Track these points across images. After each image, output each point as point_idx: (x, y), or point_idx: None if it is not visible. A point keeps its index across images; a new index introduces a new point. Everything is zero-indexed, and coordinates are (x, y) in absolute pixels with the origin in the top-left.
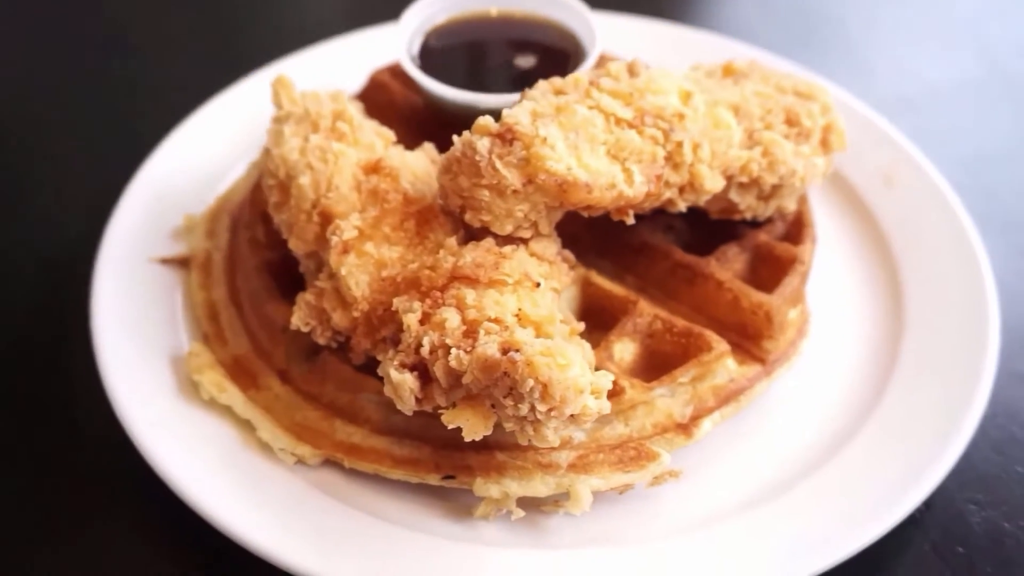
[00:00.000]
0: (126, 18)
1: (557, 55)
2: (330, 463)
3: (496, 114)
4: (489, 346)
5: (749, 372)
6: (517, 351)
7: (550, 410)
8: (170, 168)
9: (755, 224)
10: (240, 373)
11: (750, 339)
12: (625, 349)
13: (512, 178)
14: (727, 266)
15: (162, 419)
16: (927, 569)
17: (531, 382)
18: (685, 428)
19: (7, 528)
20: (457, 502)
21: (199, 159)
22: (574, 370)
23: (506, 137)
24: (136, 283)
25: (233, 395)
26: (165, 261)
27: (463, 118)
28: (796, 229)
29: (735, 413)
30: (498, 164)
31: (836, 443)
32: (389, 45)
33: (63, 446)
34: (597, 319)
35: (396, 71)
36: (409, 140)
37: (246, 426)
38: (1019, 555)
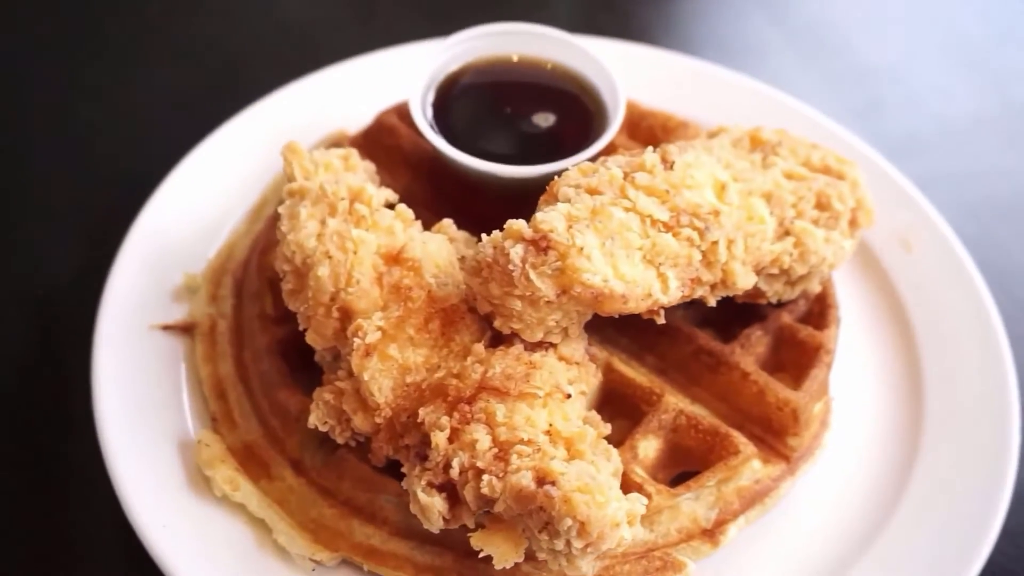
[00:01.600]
0: (119, 47)
1: (579, 111)
2: (348, 565)
3: (517, 186)
4: (523, 475)
5: (774, 472)
6: (553, 483)
7: (587, 546)
8: (167, 218)
9: (779, 304)
10: (251, 461)
11: (774, 434)
12: (649, 446)
13: (546, 289)
14: (750, 351)
15: (173, 520)
16: None
17: (569, 520)
18: (711, 535)
19: None
20: None
21: (196, 206)
22: (612, 506)
23: (541, 245)
24: (138, 354)
25: (247, 492)
26: (167, 328)
27: (480, 181)
28: (820, 310)
29: (760, 516)
30: (532, 275)
31: (861, 546)
32: (397, 76)
33: (67, 537)
34: (619, 405)
35: (403, 113)
36: (417, 187)
37: (261, 525)
38: None
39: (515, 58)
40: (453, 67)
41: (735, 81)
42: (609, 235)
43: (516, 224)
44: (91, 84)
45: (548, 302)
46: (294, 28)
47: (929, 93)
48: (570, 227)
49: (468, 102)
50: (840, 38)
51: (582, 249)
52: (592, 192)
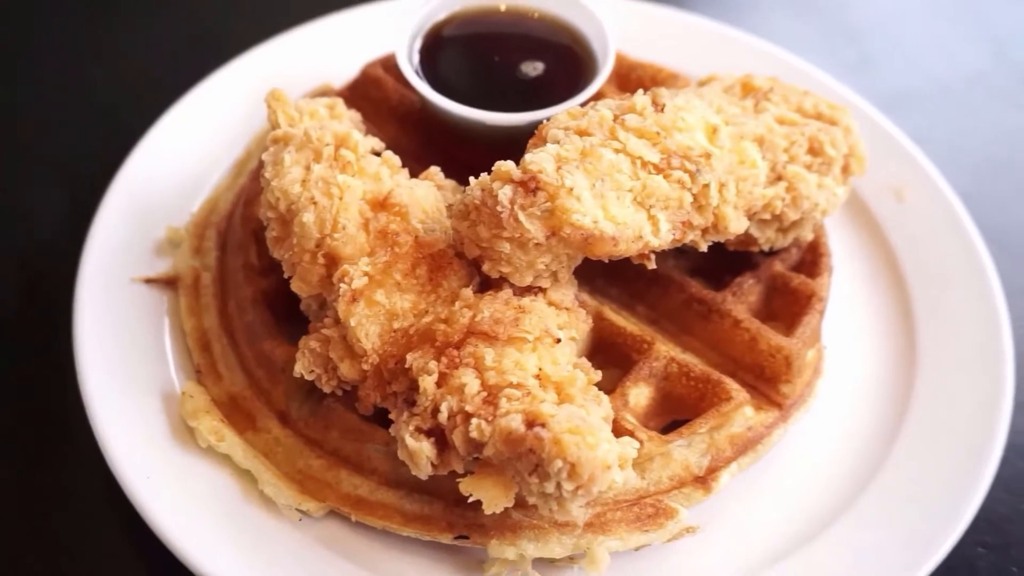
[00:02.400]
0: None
1: (567, 60)
2: (336, 515)
3: (506, 135)
4: (513, 418)
5: (767, 419)
6: (543, 425)
7: (577, 488)
8: (149, 171)
9: (771, 252)
10: (237, 413)
11: (766, 382)
12: (640, 394)
13: (535, 231)
14: (742, 299)
15: (158, 471)
16: None
17: (559, 462)
18: (703, 481)
19: None
20: (468, 558)
21: (179, 159)
22: (603, 447)
23: (529, 186)
24: (120, 307)
25: (232, 443)
26: (150, 281)
27: (468, 129)
28: (812, 258)
29: (753, 463)
30: (521, 216)
31: (853, 493)
32: (383, 29)
33: (52, 494)
34: (610, 355)
35: (389, 64)
36: (404, 139)
37: (247, 477)
38: None
39: (502, 7)
40: (440, 16)
41: (727, 34)
42: (599, 176)
43: (505, 166)
44: (72, 36)
45: (537, 244)
46: None
47: (923, 50)
48: (559, 168)
49: (455, 51)
50: None
51: (572, 190)
52: (582, 134)
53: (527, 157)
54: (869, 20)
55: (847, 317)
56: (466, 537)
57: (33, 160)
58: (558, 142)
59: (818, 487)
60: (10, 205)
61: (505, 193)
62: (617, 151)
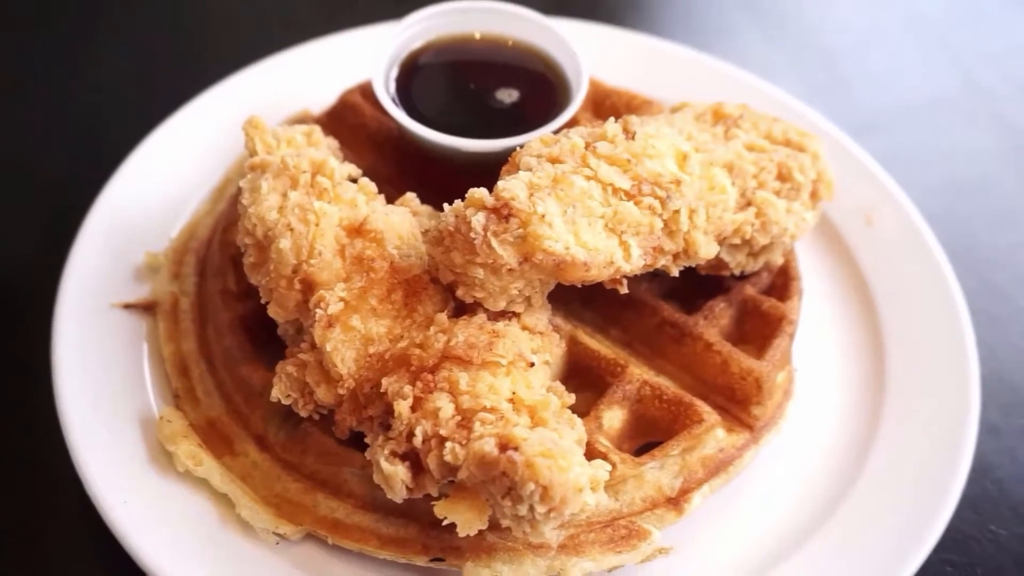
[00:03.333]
0: (82, 24)
1: (542, 87)
2: (313, 538)
3: (480, 161)
4: (486, 442)
5: (738, 441)
6: (516, 449)
7: (550, 511)
8: (129, 196)
9: (742, 276)
10: (215, 437)
11: (738, 404)
12: (614, 416)
13: (508, 257)
14: (714, 322)
15: (135, 496)
16: None
17: (532, 485)
18: (675, 503)
19: None
20: None
21: (159, 184)
22: (574, 470)
23: (502, 213)
24: (99, 332)
25: (210, 467)
26: (128, 307)
27: (443, 156)
28: (783, 282)
29: (724, 484)
30: (494, 242)
31: (824, 513)
32: (361, 56)
33: (29, 519)
34: (584, 378)
35: (367, 91)
36: (381, 166)
37: (224, 500)
38: None
39: (477, 35)
40: (415, 45)
41: (700, 60)
42: (571, 203)
43: (478, 192)
44: (53, 60)
45: (510, 270)
46: (257, 9)
47: (891, 74)
48: (532, 195)
49: (431, 79)
50: (804, 20)
51: (544, 216)
52: (554, 161)
53: (500, 184)
54: (838, 45)
55: (817, 340)
56: (441, 559)
57: (11, 183)
58: (530, 169)
59: (789, 508)
60: None
61: (478, 220)
62: (588, 178)
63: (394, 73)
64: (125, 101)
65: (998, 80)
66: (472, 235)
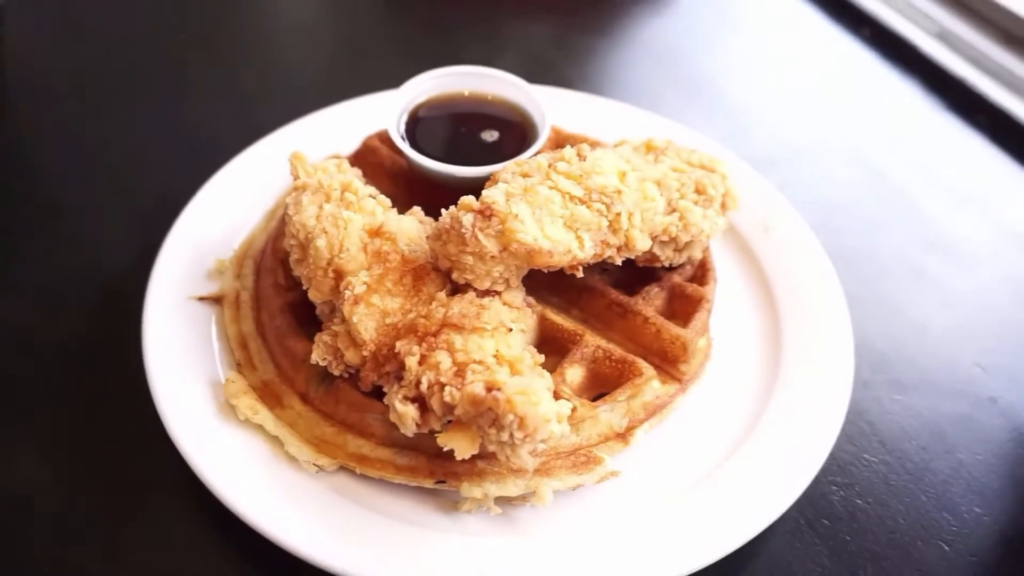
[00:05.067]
0: (167, 92)
1: (515, 130)
2: (344, 470)
3: (470, 184)
4: (476, 385)
5: (670, 390)
6: (499, 390)
7: (525, 436)
8: (201, 219)
9: (670, 268)
10: (268, 395)
11: (669, 363)
12: (575, 373)
13: (491, 247)
14: (650, 303)
15: (206, 436)
16: (803, 539)
17: (511, 416)
18: (623, 437)
19: (65, 520)
20: (445, 499)
21: (224, 210)
22: (544, 405)
23: (486, 213)
24: (178, 318)
25: (264, 416)
26: (202, 299)
27: (441, 181)
28: (701, 272)
29: (660, 423)
30: (480, 235)
31: (736, 444)
32: (378, 112)
33: (117, 458)
34: (552, 346)
35: (384, 137)
36: (396, 194)
37: (275, 441)
38: (869, 524)
39: (466, 92)
40: (419, 100)
41: (634, 112)
42: (538, 206)
43: (467, 199)
44: (142, 120)
45: (492, 257)
46: (299, 74)
47: (781, 125)
48: (508, 200)
49: (431, 125)
50: (715, 85)
51: (517, 216)
52: (524, 176)
53: (484, 193)
54: (741, 103)
55: (729, 317)
56: (444, 482)
57: (112, 215)
58: (507, 182)
59: (709, 441)
60: (94, 249)
61: (467, 219)
62: (551, 188)
63: (404, 119)
64: (197, 147)
65: (860, 128)
66: (463, 230)
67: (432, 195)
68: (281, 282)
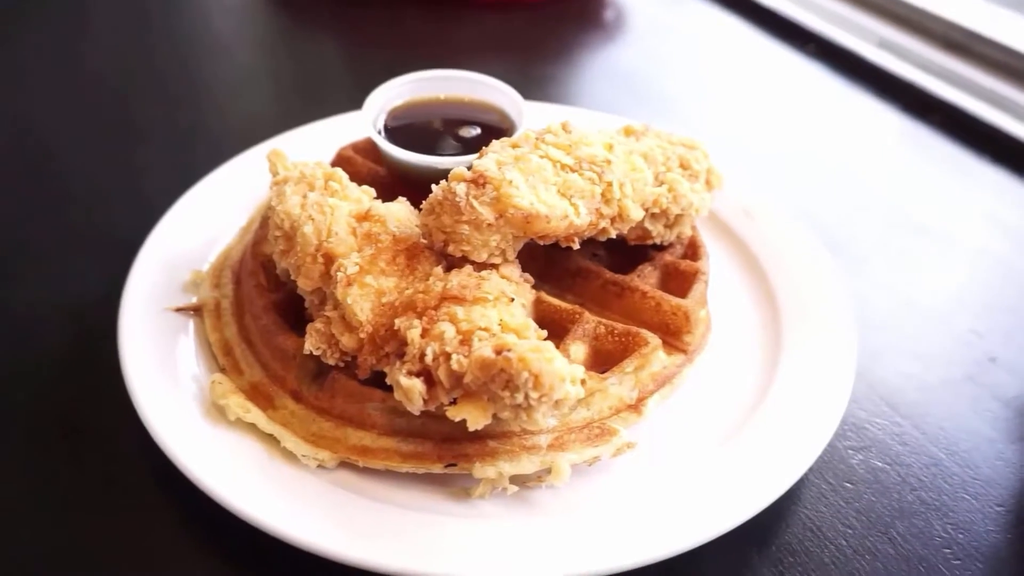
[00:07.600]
0: (141, 129)
1: (493, 127)
2: (346, 465)
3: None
4: (485, 349)
5: (677, 361)
6: (509, 351)
7: (541, 396)
8: (175, 234)
9: (660, 248)
10: (258, 396)
11: (672, 335)
12: (578, 350)
13: (487, 213)
14: (645, 280)
15: (195, 440)
16: (828, 504)
17: (525, 374)
18: (635, 407)
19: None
20: (456, 487)
21: (197, 226)
22: (558, 362)
23: (479, 181)
24: (155, 330)
25: (256, 415)
26: (179, 310)
27: (422, 180)
28: (692, 249)
29: (671, 393)
30: (475, 203)
31: (746, 412)
32: (347, 129)
33: (110, 476)
34: (550, 328)
35: (358, 147)
36: None
37: (270, 440)
38: (892, 484)
39: (442, 96)
40: (395, 103)
41: (603, 118)
42: (530, 173)
43: (459, 170)
44: (119, 152)
45: (489, 225)
46: (264, 110)
47: (739, 138)
48: (500, 168)
49: (410, 125)
50: (676, 103)
51: (511, 182)
52: (514, 147)
53: (474, 163)
54: (698, 113)
55: (723, 295)
56: (454, 464)
57: (85, 234)
58: (496, 152)
59: (721, 410)
60: (66, 269)
61: (461, 188)
62: (542, 156)
63: (381, 119)
64: (168, 166)
65: (817, 137)
66: (457, 199)
67: (413, 200)
68: (264, 283)
